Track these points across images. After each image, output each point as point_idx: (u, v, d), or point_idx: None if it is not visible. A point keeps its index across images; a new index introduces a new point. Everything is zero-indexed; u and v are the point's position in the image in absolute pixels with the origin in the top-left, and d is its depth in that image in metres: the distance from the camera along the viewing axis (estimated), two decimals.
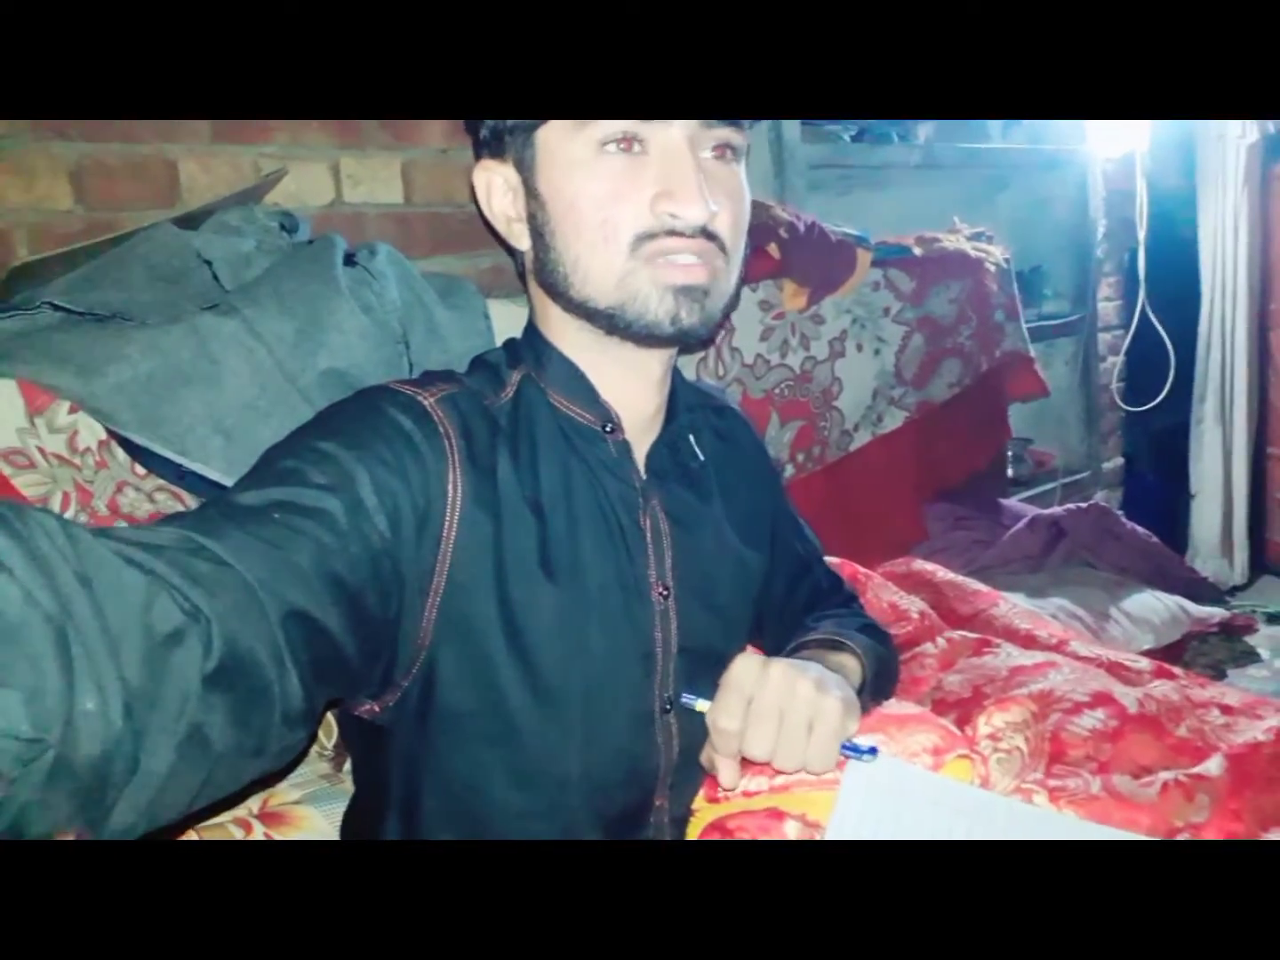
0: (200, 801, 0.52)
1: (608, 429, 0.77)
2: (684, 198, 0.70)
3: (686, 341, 0.75)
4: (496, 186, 0.77)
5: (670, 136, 0.70)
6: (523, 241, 0.78)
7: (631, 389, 0.78)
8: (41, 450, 0.93)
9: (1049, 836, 0.70)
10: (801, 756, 0.69)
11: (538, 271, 0.77)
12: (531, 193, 0.75)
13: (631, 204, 0.70)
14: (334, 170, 1.36)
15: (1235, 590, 3.02)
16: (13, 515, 0.43)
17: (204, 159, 1.23)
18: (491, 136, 0.76)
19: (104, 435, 0.96)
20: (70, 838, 0.45)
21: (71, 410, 0.94)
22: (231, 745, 0.51)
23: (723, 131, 0.72)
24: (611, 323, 0.73)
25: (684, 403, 0.84)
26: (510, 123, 0.73)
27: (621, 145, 0.70)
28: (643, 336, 0.73)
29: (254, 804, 0.93)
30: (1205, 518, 3.11)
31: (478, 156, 0.78)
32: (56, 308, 0.94)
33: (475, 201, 0.80)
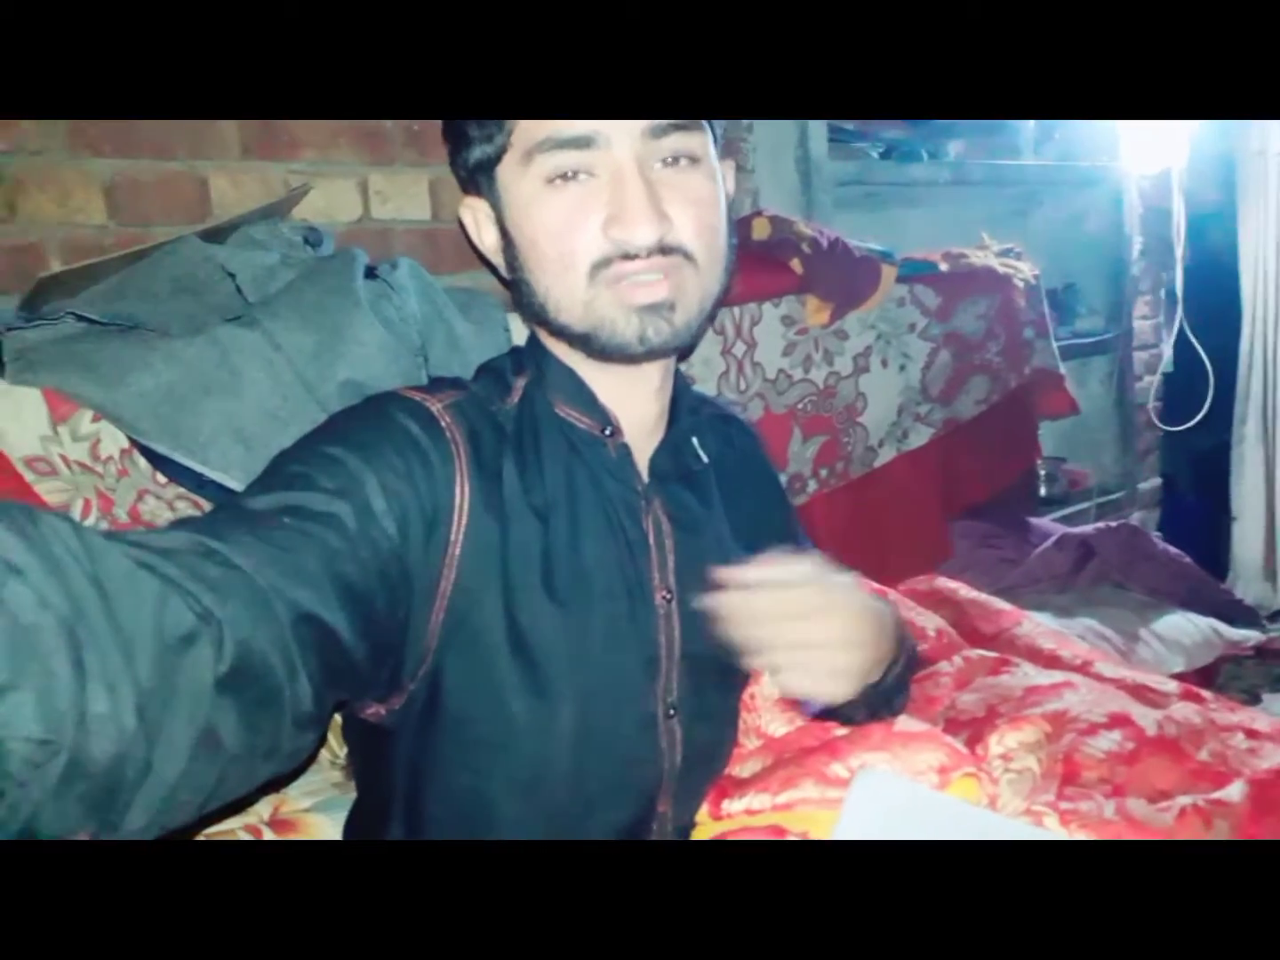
0: (212, 804, 0.52)
1: (607, 432, 0.78)
2: (629, 219, 0.69)
3: (659, 358, 0.76)
4: (481, 222, 0.79)
5: (615, 159, 0.70)
6: (509, 273, 0.79)
7: (630, 397, 0.79)
8: (64, 458, 0.95)
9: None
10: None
11: (517, 302, 0.79)
12: (501, 229, 0.77)
13: (584, 233, 0.71)
14: (362, 186, 1.38)
15: (1278, 615, 2.94)
16: (25, 518, 0.44)
17: (234, 175, 1.25)
18: (466, 175, 0.77)
19: (126, 444, 0.97)
20: (84, 838, 0.45)
21: (94, 419, 0.96)
22: (243, 748, 0.51)
23: (672, 139, 0.71)
24: (588, 346, 0.75)
25: (687, 406, 0.84)
26: (474, 161, 0.75)
27: (567, 178, 0.71)
28: (618, 357, 0.74)
29: (264, 811, 0.94)
30: (1247, 540, 3.04)
31: (464, 193, 0.80)
32: (80, 318, 0.96)
33: (467, 236, 0.81)
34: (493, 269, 0.82)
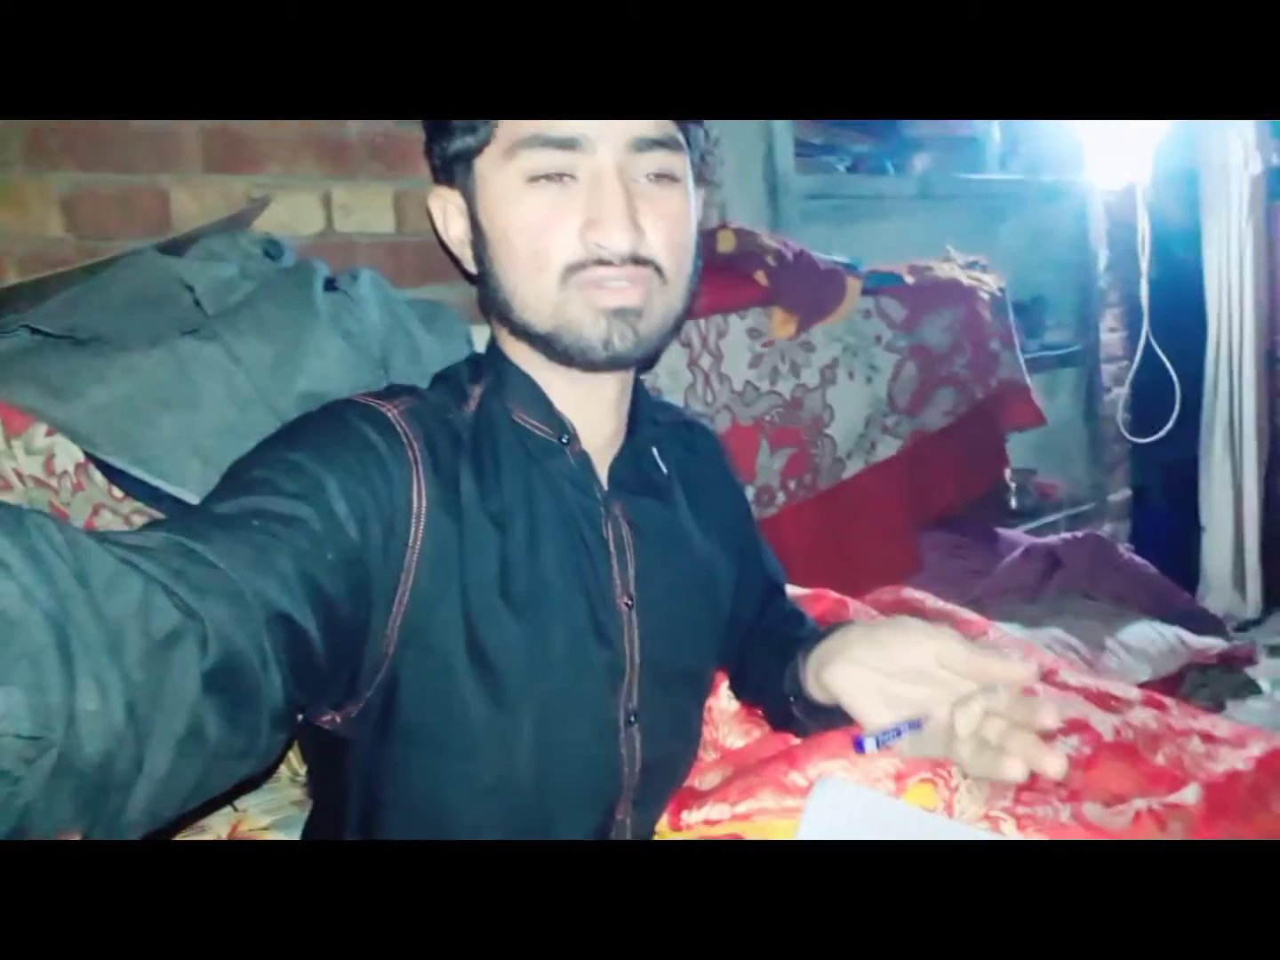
0: (192, 803, 0.52)
1: (564, 440, 0.78)
2: (608, 226, 0.70)
3: (620, 367, 0.76)
4: (450, 213, 0.79)
5: (598, 164, 0.71)
6: (474, 266, 0.79)
7: (586, 407, 0.79)
8: (18, 472, 0.94)
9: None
10: None
11: (483, 296, 0.79)
12: (473, 221, 0.76)
13: (560, 234, 0.71)
14: (325, 200, 1.38)
15: (1249, 625, 2.97)
16: (9, 515, 0.43)
17: (195, 188, 1.25)
18: (440, 164, 0.77)
19: (81, 458, 0.96)
20: (76, 838, 0.45)
21: (49, 433, 0.94)
22: (224, 745, 0.52)
23: (655, 155, 0.72)
24: (550, 347, 0.75)
25: (647, 416, 0.85)
26: (453, 151, 0.75)
27: (550, 178, 0.71)
28: (580, 362, 0.74)
29: (223, 829, 0.93)
30: (1217, 551, 3.08)
31: (435, 182, 0.79)
32: (35, 331, 0.95)
33: (434, 227, 0.81)
34: (456, 262, 0.82)
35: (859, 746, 0.75)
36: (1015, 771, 0.69)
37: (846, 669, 0.78)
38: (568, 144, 0.70)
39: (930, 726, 0.75)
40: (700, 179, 0.80)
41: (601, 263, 0.71)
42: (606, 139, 0.70)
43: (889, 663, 0.76)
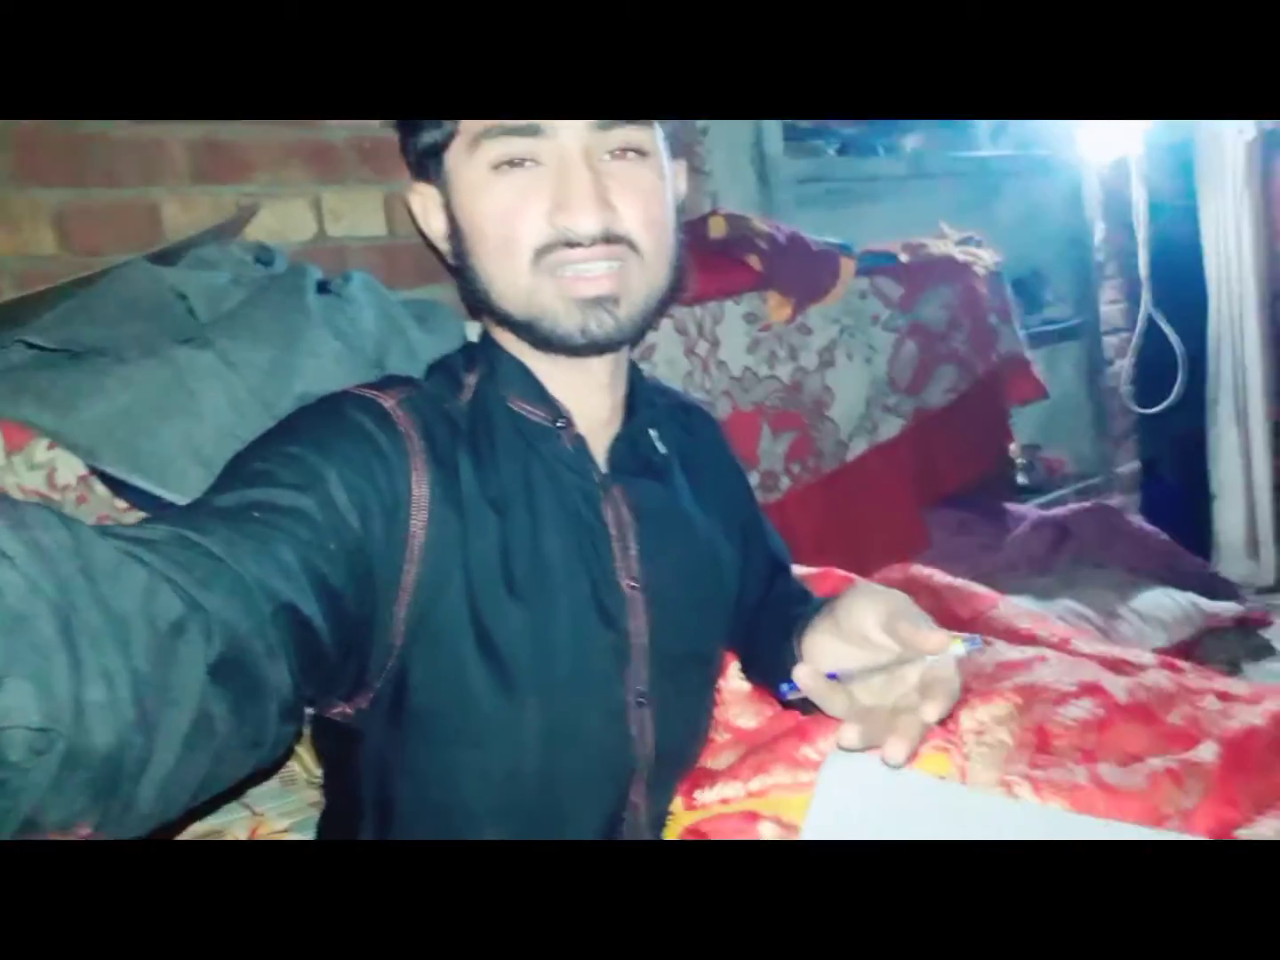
0: (202, 795, 0.52)
1: (559, 424, 0.78)
2: (574, 207, 0.70)
3: (602, 351, 0.76)
4: (429, 208, 0.79)
5: (562, 147, 0.71)
6: (455, 260, 0.79)
7: (580, 390, 0.79)
8: (21, 488, 0.94)
9: (1032, 829, 0.69)
10: None
11: (462, 289, 0.79)
12: (448, 214, 0.77)
13: (528, 219, 0.71)
14: (315, 205, 1.38)
15: (1265, 591, 2.95)
16: (9, 507, 0.44)
17: (185, 200, 1.25)
18: (416, 161, 0.78)
19: (83, 470, 0.96)
20: (86, 834, 0.45)
21: (50, 447, 0.95)
22: (232, 736, 0.52)
23: (620, 132, 0.72)
24: (531, 334, 0.75)
25: (644, 398, 0.85)
26: (422, 146, 0.75)
27: (514, 164, 0.71)
28: (561, 348, 0.74)
29: (242, 833, 0.93)
30: (1229, 519, 3.06)
31: (413, 179, 0.80)
32: (31, 346, 0.95)
33: (415, 224, 0.81)
34: (440, 256, 0.82)
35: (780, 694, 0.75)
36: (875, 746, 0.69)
37: (824, 644, 0.78)
38: (529, 130, 0.70)
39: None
40: (677, 153, 0.79)
41: (570, 245, 0.71)
42: (568, 122, 0.70)
43: (845, 631, 0.76)
